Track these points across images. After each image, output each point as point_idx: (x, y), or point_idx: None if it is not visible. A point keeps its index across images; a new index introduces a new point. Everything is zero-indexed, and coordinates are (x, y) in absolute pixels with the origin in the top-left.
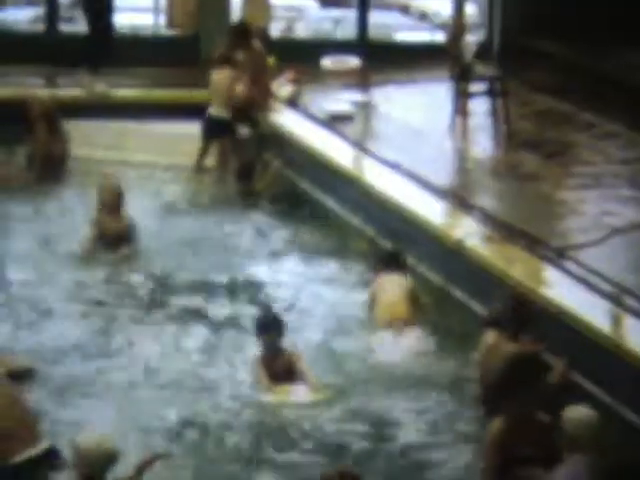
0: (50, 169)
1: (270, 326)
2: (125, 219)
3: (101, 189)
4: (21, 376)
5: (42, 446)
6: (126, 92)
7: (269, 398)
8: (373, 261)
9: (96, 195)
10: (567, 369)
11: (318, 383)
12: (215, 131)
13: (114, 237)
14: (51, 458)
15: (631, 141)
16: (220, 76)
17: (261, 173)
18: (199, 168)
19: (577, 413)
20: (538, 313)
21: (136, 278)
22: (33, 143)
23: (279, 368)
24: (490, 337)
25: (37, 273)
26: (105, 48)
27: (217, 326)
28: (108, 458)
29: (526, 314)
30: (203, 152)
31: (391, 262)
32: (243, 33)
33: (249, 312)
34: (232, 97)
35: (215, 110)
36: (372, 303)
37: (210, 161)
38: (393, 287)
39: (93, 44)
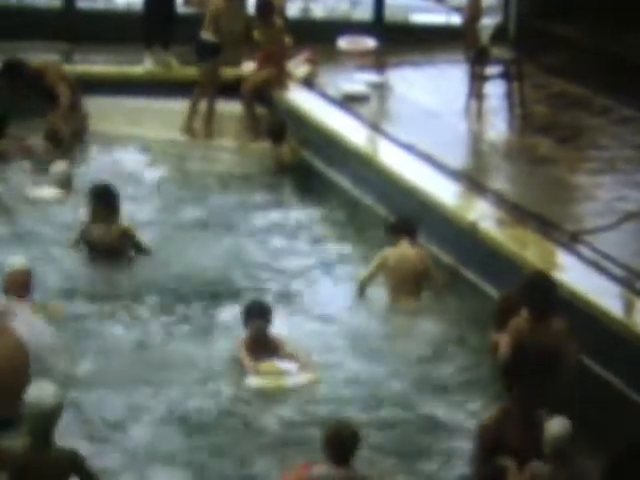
0: (64, 143)
1: (258, 313)
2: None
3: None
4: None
5: None
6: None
7: (257, 382)
8: (386, 229)
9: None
10: (579, 353)
11: (309, 361)
12: (204, 53)
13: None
14: None
15: None
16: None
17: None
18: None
19: (555, 426)
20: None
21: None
22: (54, 112)
23: (263, 352)
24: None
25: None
26: (172, 25)
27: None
28: (51, 412)
29: (551, 294)
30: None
31: (403, 229)
32: (265, 8)
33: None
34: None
35: (203, 34)
36: (378, 270)
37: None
38: (405, 259)
39: (164, 22)
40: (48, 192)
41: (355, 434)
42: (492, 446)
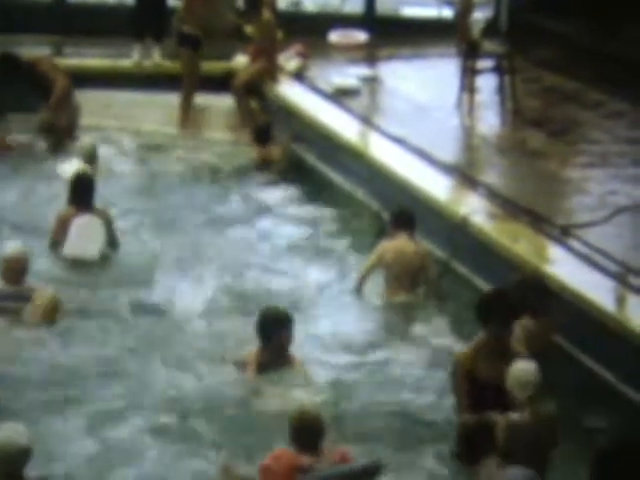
0: (55, 137)
1: (287, 323)
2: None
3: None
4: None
5: None
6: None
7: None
8: (387, 221)
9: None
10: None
11: (315, 391)
12: (185, 41)
13: None
14: None
15: (637, 120)
16: None
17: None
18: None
19: (519, 366)
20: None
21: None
22: (47, 103)
23: (273, 366)
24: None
25: None
26: (163, 18)
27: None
28: (19, 455)
29: (542, 293)
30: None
31: (403, 223)
32: (254, 3)
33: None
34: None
35: (187, 29)
36: (376, 263)
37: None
38: (404, 253)
39: (153, 15)
40: (75, 168)
41: (318, 418)
42: (468, 377)
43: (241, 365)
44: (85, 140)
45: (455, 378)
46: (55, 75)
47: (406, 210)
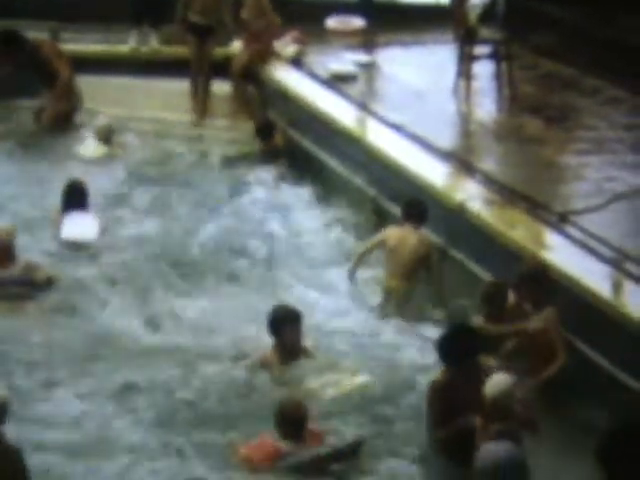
0: (56, 123)
1: (293, 319)
2: None
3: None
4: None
5: None
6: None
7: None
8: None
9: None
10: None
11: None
12: (197, 32)
13: None
14: None
15: (635, 107)
16: None
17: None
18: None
19: (495, 381)
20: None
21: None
22: (52, 89)
23: (291, 360)
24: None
25: None
26: (160, 4)
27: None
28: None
29: (546, 283)
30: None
31: (411, 214)
32: None
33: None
34: None
35: (194, 17)
36: (375, 246)
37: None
38: (405, 242)
39: (151, 2)
40: (93, 150)
41: (300, 408)
42: (446, 402)
43: (259, 363)
44: (101, 119)
45: (433, 406)
46: (58, 63)
47: (416, 203)
